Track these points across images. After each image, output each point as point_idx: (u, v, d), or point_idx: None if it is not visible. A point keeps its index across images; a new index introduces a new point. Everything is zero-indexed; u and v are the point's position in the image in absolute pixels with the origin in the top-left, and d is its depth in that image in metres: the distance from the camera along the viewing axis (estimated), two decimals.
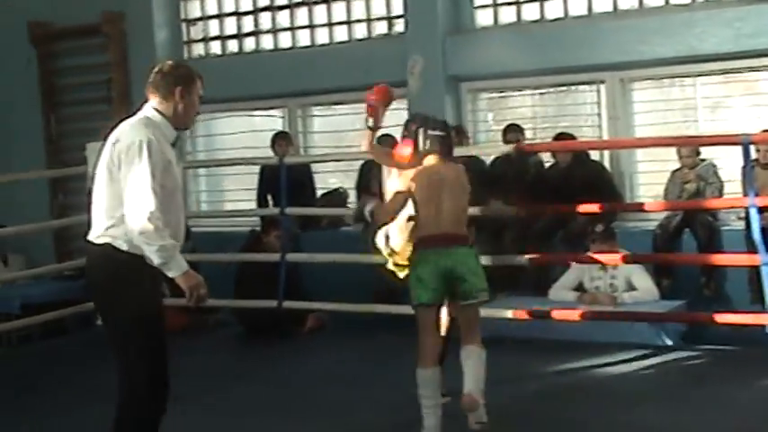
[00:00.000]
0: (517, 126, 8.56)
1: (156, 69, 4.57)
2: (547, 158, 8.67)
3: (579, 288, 7.70)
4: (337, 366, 7.12)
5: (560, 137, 8.31)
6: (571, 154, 8.27)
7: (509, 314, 7.19)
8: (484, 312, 7.40)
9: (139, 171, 4.29)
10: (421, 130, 5.71)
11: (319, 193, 9.63)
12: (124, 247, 4.35)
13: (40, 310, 8.93)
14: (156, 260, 4.27)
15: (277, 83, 9.95)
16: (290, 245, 8.20)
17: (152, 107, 4.50)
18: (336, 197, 9.50)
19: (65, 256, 10.28)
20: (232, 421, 6.07)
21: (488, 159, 8.77)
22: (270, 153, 9.29)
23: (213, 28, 10.58)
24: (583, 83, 8.93)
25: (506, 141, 8.45)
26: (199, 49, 10.67)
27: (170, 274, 4.32)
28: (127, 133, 4.41)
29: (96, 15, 10.51)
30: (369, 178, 9.01)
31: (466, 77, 9.24)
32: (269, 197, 9.23)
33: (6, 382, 7.36)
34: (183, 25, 10.66)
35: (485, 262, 7.82)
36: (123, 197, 4.34)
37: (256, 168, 9.45)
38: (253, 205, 9.49)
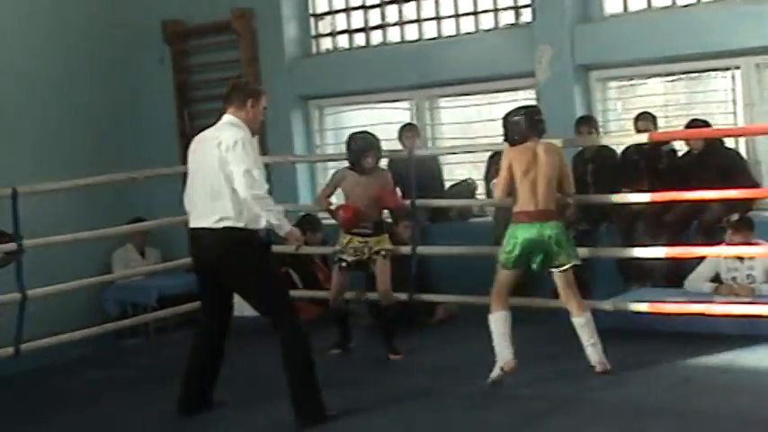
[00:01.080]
0: (648, 114, 8.41)
1: (231, 86, 5.91)
2: (680, 147, 8.50)
3: (715, 279, 7.53)
4: (466, 358, 7.10)
5: (693, 123, 8.14)
6: (703, 140, 8.08)
7: (644, 306, 7.08)
8: (615, 306, 7.38)
9: (245, 159, 5.57)
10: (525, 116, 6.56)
11: (448, 184, 9.62)
12: (241, 224, 5.64)
13: (175, 302, 9.18)
14: (272, 221, 5.61)
15: (404, 75, 9.98)
16: (419, 237, 8.21)
17: (231, 115, 5.80)
18: (465, 189, 9.47)
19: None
20: (361, 409, 6.10)
21: (619, 149, 8.63)
22: (397, 145, 9.32)
23: (340, 22, 10.66)
24: (716, 69, 8.73)
25: (637, 130, 8.31)
26: (326, 44, 10.76)
27: (281, 232, 5.71)
28: (227, 134, 5.67)
29: (227, 12, 10.70)
30: (497, 169, 8.97)
31: (595, 66, 9.13)
32: (397, 190, 9.24)
33: (146, 371, 7.55)
34: (311, 20, 10.77)
35: (618, 254, 7.79)
36: (234, 183, 5.57)
37: (383, 160, 9.46)
38: None
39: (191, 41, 11.34)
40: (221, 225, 5.67)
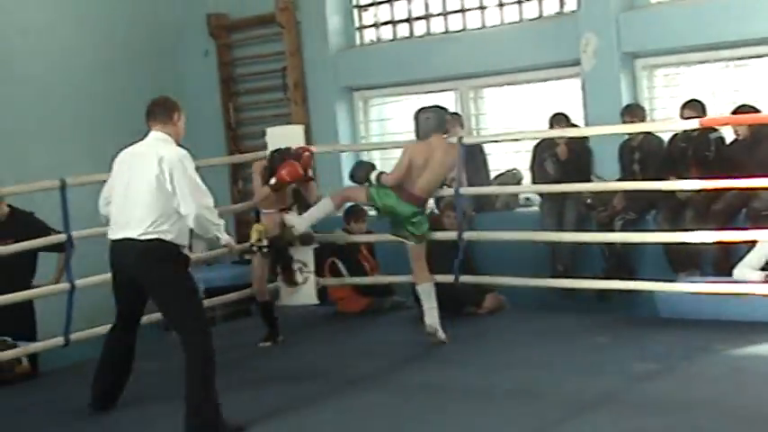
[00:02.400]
0: (696, 101, 8.30)
1: (154, 103, 5.97)
2: (729, 134, 8.39)
3: (765, 267, 7.42)
4: (517, 347, 7.07)
5: (741, 110, 8.02)
6: (747, 127, 7.96)
7: (692, 292, 7.02)
8: (666, 288, 7.32)
9: (192, 176, 5.73)
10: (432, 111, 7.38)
11: (493, 174, 9.58)
12: (169, 237, 5.72)
13: (222, 294, 9.22)
14: (216, 234, 5.87)
15: (448, 65, 9.98)
16: (465, 224, 8.17)
17: (158, 131, 5.87)
18: (510, 178, 9.43)
19: (245, 241, 10.53)
20: (407, 402, 6.08)
21: (666, 137, 8.54)
22: None
23: (384, 13, 10.66)
24: (764, 55, 8.61)
25: (684, 118, 8.21)
26: (370, 35, 10.77)
27: (221, 242, 6.05)
28: (167, 150, 5.75)
29: (270, 5, 10.74)
30: (543, 158, 8.93)
31: (641, 54, 9.06)
32: None
33: None
34: (355, 11, 10.77)
35: (664, 240, 7.74)
36: (179, 198, 5.66)
37: None
38: None
39: (235, 34, 11.42)
40: (149, 237, 5.72)
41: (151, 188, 5.70)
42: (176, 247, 5.80)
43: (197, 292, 6.02)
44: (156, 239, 5.72)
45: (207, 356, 5.76)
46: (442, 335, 7.12)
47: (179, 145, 5.88)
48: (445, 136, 7.53)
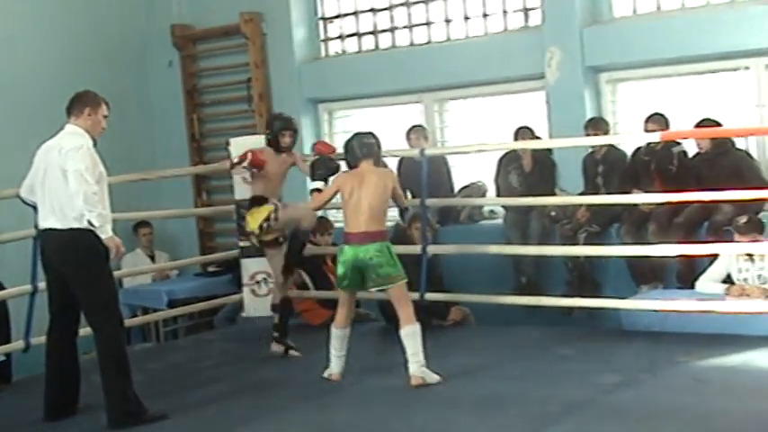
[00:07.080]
0: (659, 115, 8.36)
1: (72, 97, 6.24)
2: (691, 148, 8.45)
3: (727, 281, 7.49)
4: (482, 359, 7.06)
5: (703, 123, 8.09)
6: (712, 141, 8.03)
7: (653, 307, 7.06)
8: (630, 305, 7.38)
9: (79, 164, 5.86)
10: (355, 139, 6.77)
11: (457, 187, 9.59)
12: (84, 226, 5.87)
13: (186, 306, 9.20)
14: (95, 222, 5.84)
15: (413, 78, 10.00)
16: (430, 237, 8.17)
17: (71, 124, 6.14)
18: (475, 190, 9.45)
19: (209, 254, 10.54)
20: (370, 411, 6.08)
21: (630, 150, 8.59)
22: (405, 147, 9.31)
23: (349, 25, 10.66)
24: (726, 70, 8.70)
25: (648, 131, 8.27)
26: (336, 47, 10.77)
27: (102, 236, 5.90)
28: (68, 141, 6.01)
29: (235, 16, 10.72)
30: (507, 171, 8.97)
31: (605, 68, 9.12)
32: (407, 191, 9.20)
33: (156, 374, 7.52)
34: (320, 23, 10.77)
35: (628, 253, 7.79)
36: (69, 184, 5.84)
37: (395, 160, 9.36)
38: None
39: (199, 45, 11.39)
40: (68, 227, 5.95)
41: (59, 179, 5.95)
42: (95, 237, 5.92)
43: (112, 283, 6.25)
44: (75, 229, 5.93)
45: (120, 348, 6.07)
46: (433, 377, 6.44)
47: (93, 139, 6.12)
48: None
